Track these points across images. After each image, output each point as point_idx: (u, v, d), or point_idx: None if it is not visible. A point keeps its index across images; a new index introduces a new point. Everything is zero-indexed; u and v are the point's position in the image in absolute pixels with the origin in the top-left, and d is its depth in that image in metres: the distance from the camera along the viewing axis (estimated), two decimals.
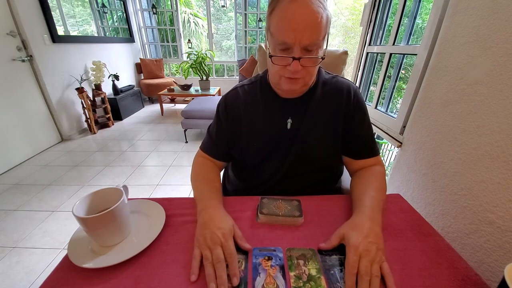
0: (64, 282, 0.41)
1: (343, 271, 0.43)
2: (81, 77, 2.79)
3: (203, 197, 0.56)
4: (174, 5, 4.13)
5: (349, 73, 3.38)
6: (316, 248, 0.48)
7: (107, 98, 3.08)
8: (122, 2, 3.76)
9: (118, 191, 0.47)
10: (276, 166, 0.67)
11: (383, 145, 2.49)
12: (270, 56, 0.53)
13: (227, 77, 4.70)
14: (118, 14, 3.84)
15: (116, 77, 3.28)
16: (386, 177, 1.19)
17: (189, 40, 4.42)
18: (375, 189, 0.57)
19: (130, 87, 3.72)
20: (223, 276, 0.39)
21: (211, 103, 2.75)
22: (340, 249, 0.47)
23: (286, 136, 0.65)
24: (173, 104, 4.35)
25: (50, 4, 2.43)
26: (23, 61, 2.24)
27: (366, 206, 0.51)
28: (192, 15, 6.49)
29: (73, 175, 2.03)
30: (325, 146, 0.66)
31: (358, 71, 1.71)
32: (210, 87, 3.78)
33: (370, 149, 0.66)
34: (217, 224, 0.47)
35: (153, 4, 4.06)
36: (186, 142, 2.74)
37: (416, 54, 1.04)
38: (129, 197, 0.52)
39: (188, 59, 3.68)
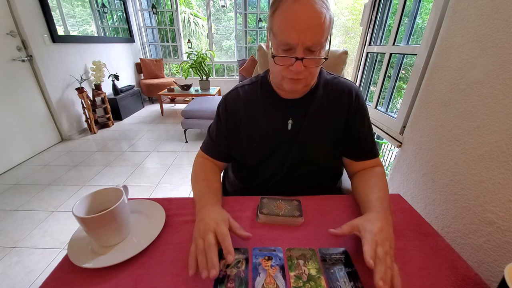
0: (64, 282, 0.41)
1: (343, 271, 0.43)
2: (81, 77, 2.79)
3: (202, 197, 0.56)
4: (174, 5, 4.12)
5: (349, 73, 3.38)
6: (316, 248, 0.48)
7: (107, 98, 3.08)
8: (122, 2, 3.76)
9: (118, 191, 0.47)
10: (276, 167, 0.67)
11: (383, 145, 2.48)
12: (273, 56, 0.53)
13: (227, 77, 4.70)
14: (118, 14, 3.84)
15: (116, 77, 3.28)
16: (386, 177, 1.19)
17: (189, 40, 4.42)
18: (381, 190, 0.56)
19: (130, 87, 3.72)
20: (214, 259, 0.39)
21: (211, 103, 2.75)
22: (341, 249, 0.47)
23: (287, 137, 0.65)
24: (173, 104, 4.34)
25: (50, 4, 2.42)
26: (23, 61, 2.24)
27: (378, 207, 0.50)
28: (192, 15, 6.49)
29: (73, 175, 2.03)
30: (326, 147, 0.66)
31: (358, 71, 1.71)
32: (210, 87, 3.78)
33: (371, 150, 0.67)
34: (211, 215, 0.47)
35: (153, 4, 4.06)
36: (186, 142, 2.74)
37: (416, 54, 1.04)
38: (129, 197, 0.52)
39: (188, 59, 3.68)
